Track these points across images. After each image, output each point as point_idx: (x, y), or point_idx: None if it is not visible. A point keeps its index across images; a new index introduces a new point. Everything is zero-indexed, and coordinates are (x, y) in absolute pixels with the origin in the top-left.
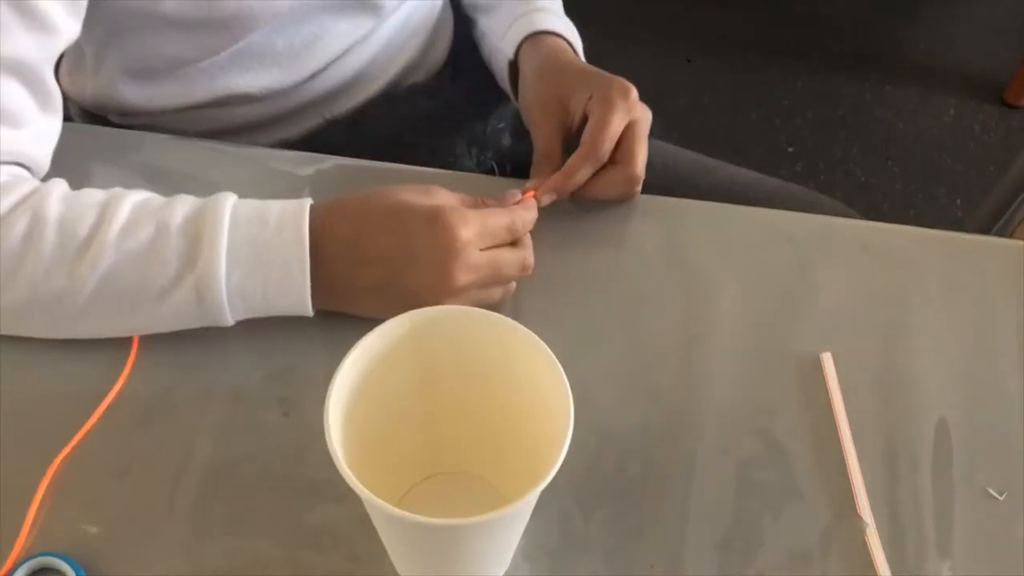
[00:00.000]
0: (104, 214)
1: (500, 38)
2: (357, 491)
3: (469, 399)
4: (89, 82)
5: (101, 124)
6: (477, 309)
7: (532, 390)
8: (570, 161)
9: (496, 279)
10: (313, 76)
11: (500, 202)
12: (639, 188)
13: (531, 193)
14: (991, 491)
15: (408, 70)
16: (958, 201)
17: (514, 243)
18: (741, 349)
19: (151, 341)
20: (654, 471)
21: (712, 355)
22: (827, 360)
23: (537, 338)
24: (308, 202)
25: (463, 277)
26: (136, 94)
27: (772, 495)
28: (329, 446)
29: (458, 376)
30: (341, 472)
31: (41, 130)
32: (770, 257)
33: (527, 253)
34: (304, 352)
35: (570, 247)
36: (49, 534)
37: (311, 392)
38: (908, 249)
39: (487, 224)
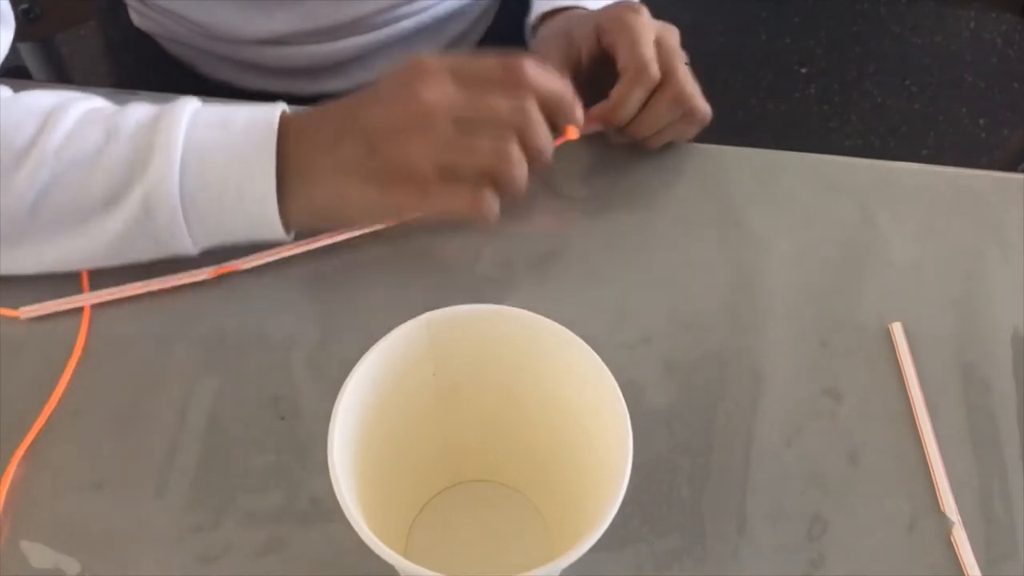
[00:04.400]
0: (48, 120)
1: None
2: (383, 556)
3: (497, 406)
4: None
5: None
6: (507, 308)
7: (574, 396)
8: (616, 89)
9: (481, 115)
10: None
11: None
12: (700, 115)
13: (571, 130)
14: None
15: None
16: (981, 121)
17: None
18: (798, 321)
19: (105, 324)
20: (705, 468)
21: (765, 330)
22: (897, 331)
23: (583, 343)
24: (281, 105)
25: (428, 93)
26: None
27: (842, 492)
28: (341, 502)
29: (483, 381)
30: (361, 534)
31: None
32: (827, 211)
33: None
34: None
35: (593, 209)
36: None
37: (306, 389)
38: (980, 196)
39: (477, 68)
